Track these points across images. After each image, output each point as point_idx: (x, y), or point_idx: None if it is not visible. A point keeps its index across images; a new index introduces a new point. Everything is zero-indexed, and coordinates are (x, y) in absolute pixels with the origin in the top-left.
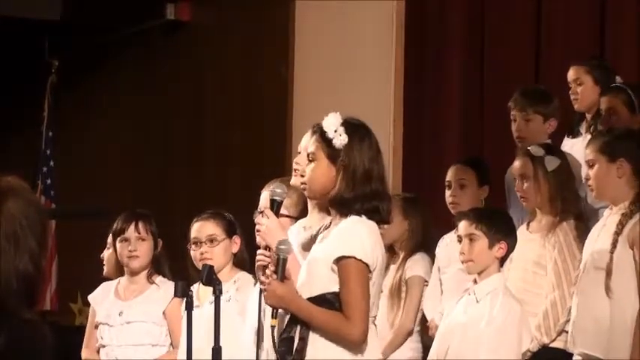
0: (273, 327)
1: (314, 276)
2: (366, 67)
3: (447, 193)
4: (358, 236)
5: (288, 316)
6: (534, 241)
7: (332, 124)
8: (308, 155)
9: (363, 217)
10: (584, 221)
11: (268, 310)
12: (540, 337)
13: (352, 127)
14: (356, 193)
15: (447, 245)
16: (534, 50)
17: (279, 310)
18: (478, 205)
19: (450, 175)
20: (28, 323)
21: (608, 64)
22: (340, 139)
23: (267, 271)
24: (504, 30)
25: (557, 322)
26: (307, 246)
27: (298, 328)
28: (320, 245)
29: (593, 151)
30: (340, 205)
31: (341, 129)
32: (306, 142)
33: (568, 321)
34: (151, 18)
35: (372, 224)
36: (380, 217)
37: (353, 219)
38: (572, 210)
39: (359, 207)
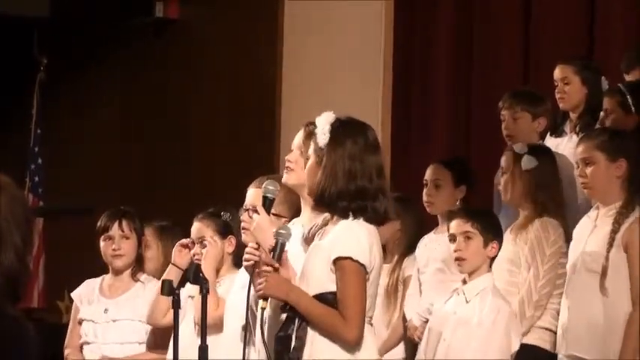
0: (263, 309)
1: (311, 275)
2: (355, 66)
3: (424, 191)
4: (355, 237)
5: (284, 315)
6: (509, 240)
7: (321, 123)
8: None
9: (361, 220)
10: (562, 222)
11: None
12: None
13: (340, 125)
14: (338, 190)
15: (426, 245)
16: (523, 51)
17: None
18: (453, 205)
19: (427, 174)
20: (11, 319)
21: (595, 64)
22: (323, 138)
23: (266, 260)
24: (493, 30)
25: (524, 316)
26: (308, 240)
27: (295, 326)
28: (318, 244)
29: (590, 148)
30: (321, 202)
31: (327, 128)
32: (298, 140)
33: (539, 317)
34: (139, 15)
35: (369, 226)
36: (372, 216)
37: (350, 221)
38: (548, 211)
39: (345, 205)
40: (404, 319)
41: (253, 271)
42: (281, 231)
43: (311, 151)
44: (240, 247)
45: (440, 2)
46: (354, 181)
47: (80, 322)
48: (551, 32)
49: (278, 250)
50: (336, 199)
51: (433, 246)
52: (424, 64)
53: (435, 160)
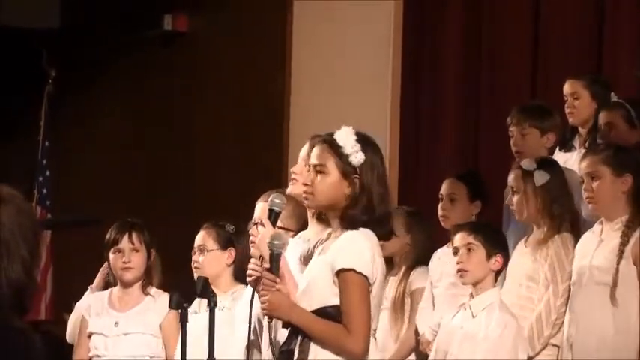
0: (269, 322)
1: (314, 288)
2: (363, 67)
3: (439, 206)
4: (358, 248)
5: (288, 329)
6: (527, 254)
7: (348, 140)
8: (315, 167)
9: (363, 229)
10: (577, 236)
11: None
12: None
13: (366, 143)
14: (377, 216)
15: (440, 259)
16: (531, 51)
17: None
18: (468, 220)
19: (442, 189)
20: (18, 331)
21: (605, 79)
22: (358, 157)
23: (265, 280)
24: (502, 30)
25: (542, 334)
26: (306, 259)
27: (298, 340)
28: (319, 257)
29: (595, 163)
30: (353, 224)
31: (357, 146)
32: (305, 152)
33: (555, 334)
34: (148, 28)
35: (372, 236)
36: (380, 233)
37: (353, 232)
38: (565, 225)
39: (365, 224)
40: (416, 332)
41: (256, 284)
42: (274, 241)
43: (324, 162)
44: (246, 261)
45: (449, 3)
46: (385, 205)
47: (89, 336)
48: (560, 32)
49: (274, 262)
50: (367, 223)
51: (446, 260)
52: (433, 64)
53: (450, 175)
